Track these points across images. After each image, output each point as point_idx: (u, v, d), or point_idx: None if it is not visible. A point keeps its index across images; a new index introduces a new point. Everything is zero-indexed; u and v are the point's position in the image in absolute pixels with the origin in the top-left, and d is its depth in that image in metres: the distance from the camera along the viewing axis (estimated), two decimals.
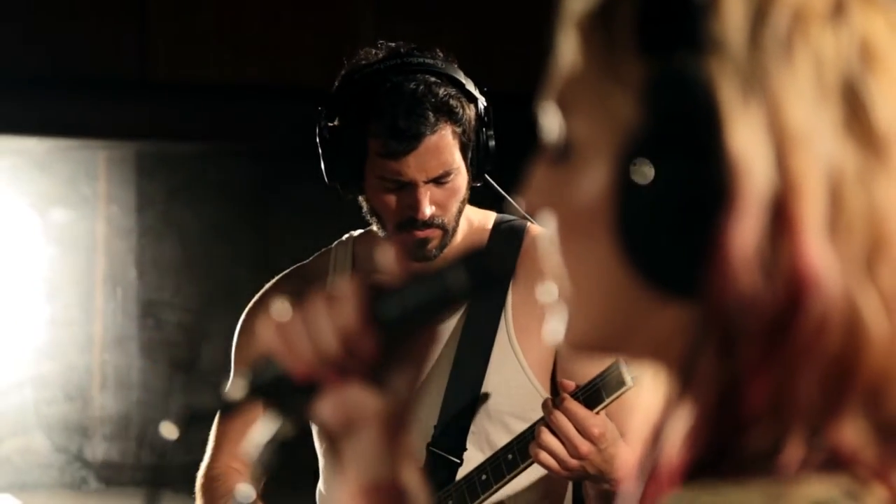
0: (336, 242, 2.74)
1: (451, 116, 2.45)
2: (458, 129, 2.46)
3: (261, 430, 1.10)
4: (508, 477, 2.44)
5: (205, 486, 2.68)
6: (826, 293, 0.87)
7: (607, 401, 2.35)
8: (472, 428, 2.57)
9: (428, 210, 2.45)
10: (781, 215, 0.87)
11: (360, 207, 2.58)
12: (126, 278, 5.27)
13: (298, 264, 2.77)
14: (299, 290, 2.65)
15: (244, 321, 2.73)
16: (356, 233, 2.72)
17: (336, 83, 2.53)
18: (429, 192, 2.45)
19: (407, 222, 2.48)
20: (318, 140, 2.54)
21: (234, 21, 4.91)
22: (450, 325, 2.58)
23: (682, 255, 0.88)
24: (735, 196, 0.86)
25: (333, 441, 1.08)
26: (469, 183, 2.52)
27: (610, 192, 0.91)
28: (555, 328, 0.98)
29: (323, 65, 5.00)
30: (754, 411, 0.88)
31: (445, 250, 2.51)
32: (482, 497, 2.46)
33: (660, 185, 0.88)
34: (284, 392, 1.07)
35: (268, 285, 2.75)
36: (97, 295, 5.27)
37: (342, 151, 2.50)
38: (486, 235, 2.61)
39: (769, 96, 0.88)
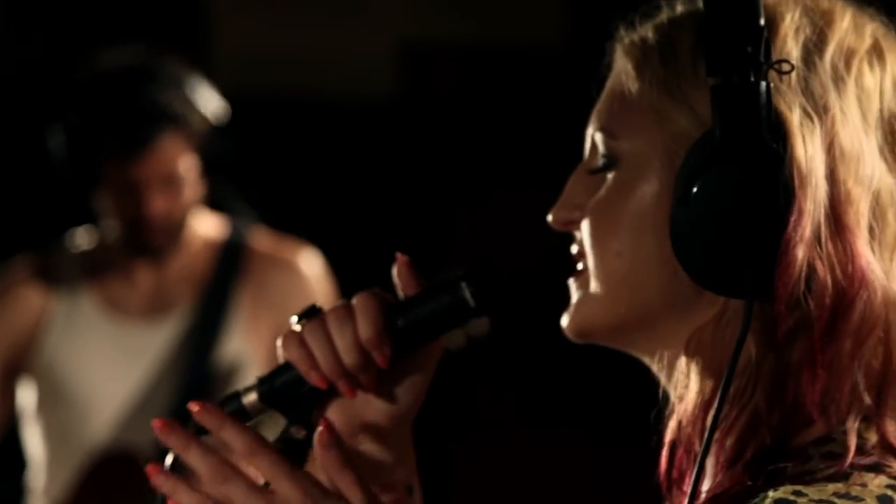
0: (52, 249, 2.81)
1: (179, 122, 2.63)
2: (187, 135, 2.64)
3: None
4: None
5: None
6: (872, 296, 1.01)
7: None
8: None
9: (155, 211, 2.62)
10: (836, 222, 1.01)
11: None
12: None
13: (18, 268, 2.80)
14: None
15: None
16: (80, 245, 2.80)
17: (71, 86, 2.73)
18: (156, 195, 2.63)
19: (135, 222, 2.65)
20: (52, 142, 2.70)
21: None
22: (162, 337, 2.75)
23: (737, 255, 1.00)
24: (801, 199, 1.00)
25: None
26: (200, 187, 2.70)
27: (661, 198, 1.05)
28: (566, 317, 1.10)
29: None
30: (808, 408, 1.00)
31: (174, 258, 2.73)
32: None
33: (718, 189, 1.01)
34: None
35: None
36: None
37: (76, 153, 2.67)
38: (212, 256, 2.78)
39: (825, 118, 1.03)
